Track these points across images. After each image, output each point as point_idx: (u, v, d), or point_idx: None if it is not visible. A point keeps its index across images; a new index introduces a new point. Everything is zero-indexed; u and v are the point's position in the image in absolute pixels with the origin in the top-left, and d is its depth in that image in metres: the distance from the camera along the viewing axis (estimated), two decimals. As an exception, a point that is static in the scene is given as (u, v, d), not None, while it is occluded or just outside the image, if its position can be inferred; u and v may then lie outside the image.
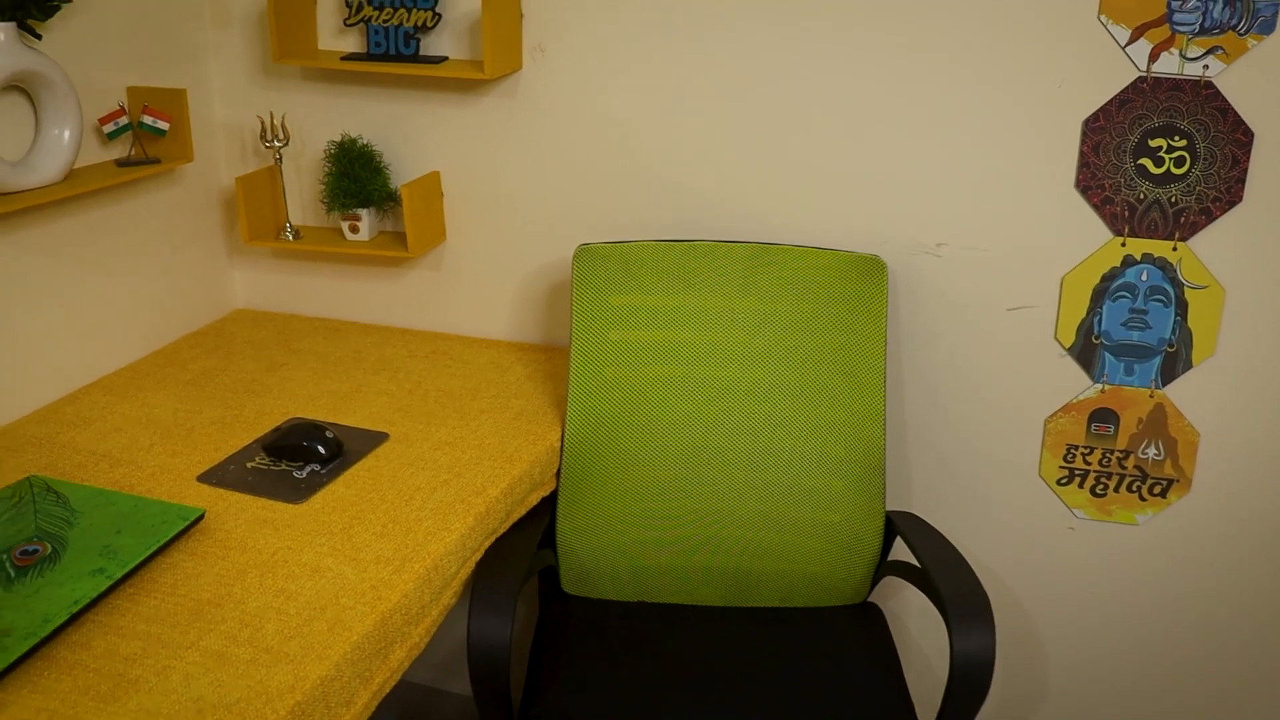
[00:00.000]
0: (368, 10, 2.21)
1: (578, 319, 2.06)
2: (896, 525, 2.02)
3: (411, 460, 1.87)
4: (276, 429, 1.93)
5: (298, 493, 1.76)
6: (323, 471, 1.82)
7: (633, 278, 2.07)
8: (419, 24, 2.20)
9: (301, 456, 1.84)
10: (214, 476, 1.81)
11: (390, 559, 1.59)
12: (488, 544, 1.78)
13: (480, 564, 1.75)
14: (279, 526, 1.66)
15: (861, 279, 2.05)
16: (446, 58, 2.24)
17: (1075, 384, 2.15)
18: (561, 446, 2.02)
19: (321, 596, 1.50)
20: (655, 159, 2.22)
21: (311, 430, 1.87)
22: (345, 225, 2.33)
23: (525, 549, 1.82)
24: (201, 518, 1.66)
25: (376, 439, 1.94)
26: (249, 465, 1.84)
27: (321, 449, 1.84)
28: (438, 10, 2.19)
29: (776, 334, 2.05)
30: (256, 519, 1.68)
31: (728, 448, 2.04)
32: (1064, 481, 2.21)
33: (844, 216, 2.15)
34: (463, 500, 1.76)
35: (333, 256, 2.49)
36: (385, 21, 2.21)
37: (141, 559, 1.53)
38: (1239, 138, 1.94)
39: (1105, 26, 1.94)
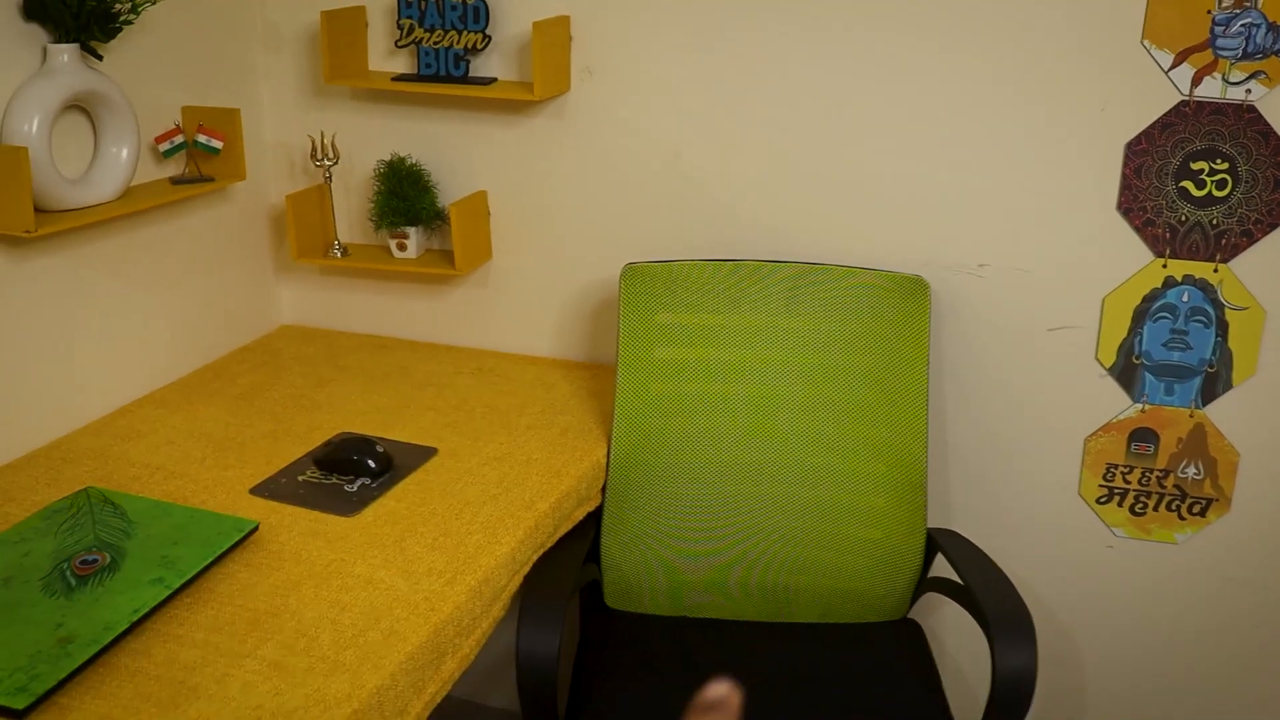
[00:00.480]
0: (419, 32, 2.25)
1: (624, 336, 2.09)
2: (938, 542, 2.04)
3: (460, 475, 1.90)
4: (327, 443, 1.96)
5: (349, 506, 1.79)
6: (373, 485, 1.85)
7: (678, 296, 2.09)
8: (469, 46, 2.23)
9: (352, 470, 1.88)
10: (266, 489, 1.84)
11: (442, 571, 1.62)
12: (536, 558, 1.81)
13: (529, 578, 1.78)
14: (332, 539, 1.70)
15: (904, 299, 2.07)
16: (496, 79, 2.27)
17: (1116, 403, 2.16)
18: (607, 462, 2.05)
19: (376, 608, 1.53)
20: (701, 180, 2.25)
21: (362, 444, 1.90)
22: (393, 243, 2.36)
23: (573, 563, 1.85)
24: (256, 529, 1.69)
25: (425, 454, 1.97)
26: (300, 478, 1.87)
27: (372, 463, 1.88)
28: (488, 32, 2.22)
29: (820, 352, 2.07)
30: (309, 531, 1.71)
31: (771, 464, 2.06)
32: (1103, 500, 2.22)
33: (888, 237, 2.18)
34: (512, 514, 1.79)
35: (380, 274, 2.53)
36: (436, 43, 2.24)
37: (199, 569, 1.57)
38: (1281, 161, 1.96)
39: (1149, 51, 1.96)
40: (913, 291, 2.07)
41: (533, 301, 2.43)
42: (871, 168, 2.15)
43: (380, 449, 1.90)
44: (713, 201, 2.25)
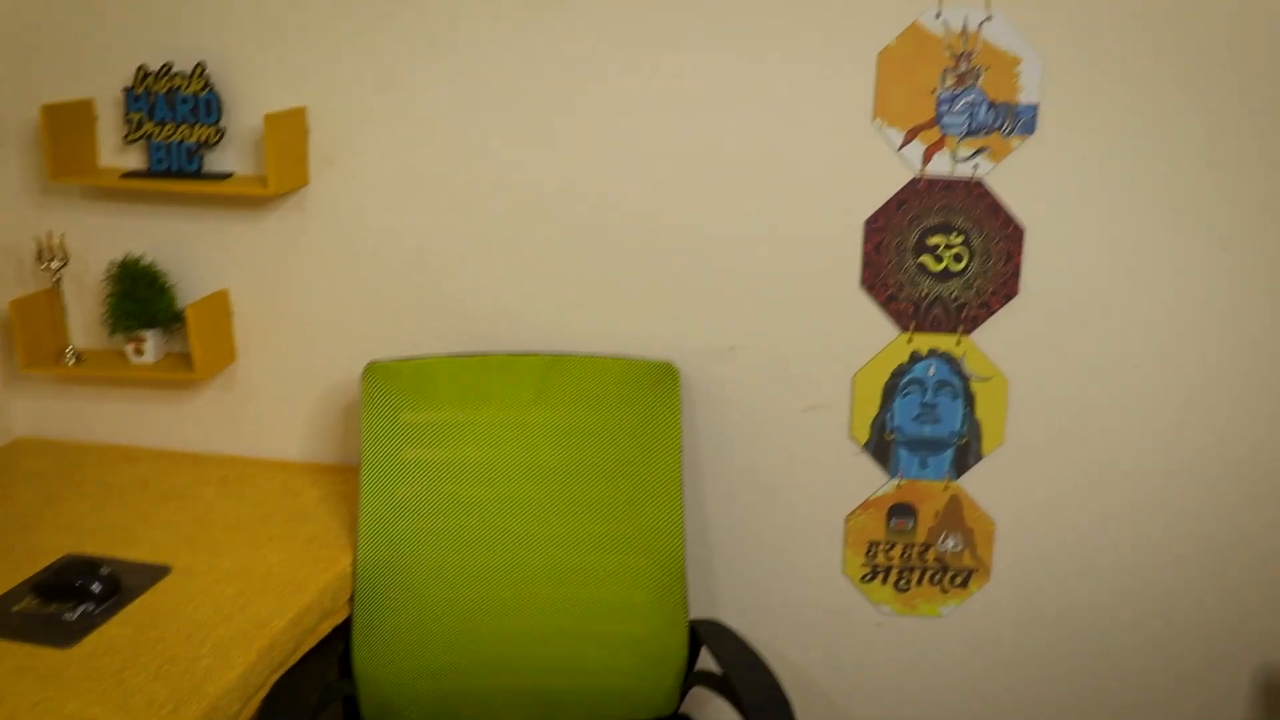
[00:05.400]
0: (149, 126, 2.16)
1: (367, 439, 2.02)
2: (700, 634, 2.00)
3: (193, 594, 1.80)
4: (49, 567, 1.84)
5: (68, 636, 1.67)
6: (96, 611, 1.73)
7: (424, 394, 2.03)
8: (202, 140, 2.15)
9: (74, 596, 1.75)
10: (-23, 623, 1.71)
11: (164, 703, 1.51)
12: (275, 679, 1.71)
13: (265, 701, 1.68)
14: (43, 675, 1.57)
15: (654, 386, 2.04)
16: (232, 174, 2.19)
17: (872, 480, 2.17)
18: (354, 571, 1.96)
19: (83, 750, 1.42)
20: (447, 272, 2.19)
21: (85, 567, 1.78)
22: (130, 348, 2.25)
23: (314, 682, 1.76)
24: (-43, 671, 1.56)
25: (158, 573, 1.86)
26: (15, 609, 1.74)
27: (96, 587, 1.75)
28: (221, 126, 2.14)
29: (571, 447, 2.03)
30: (18, 668, 1.58)
31: (526, 565, 2.00)
32: (868, 578, 2.22)
33: (637, 323, 2.15)
34: (245, 635, 1.69)
35: (118, 380, 2.40)
36: (167, 138, 2.16)
37: (-115, 721, 1.43)
38: (1010, 233, 2.00)
39: (881, 129, 1.99)
40: (663, 378, 2.04)
41: (280, 403, 2.34)
42: (616, 254, 2.13)
43: (106, 570, 1.78)
44: (460, 294, 2.20)
